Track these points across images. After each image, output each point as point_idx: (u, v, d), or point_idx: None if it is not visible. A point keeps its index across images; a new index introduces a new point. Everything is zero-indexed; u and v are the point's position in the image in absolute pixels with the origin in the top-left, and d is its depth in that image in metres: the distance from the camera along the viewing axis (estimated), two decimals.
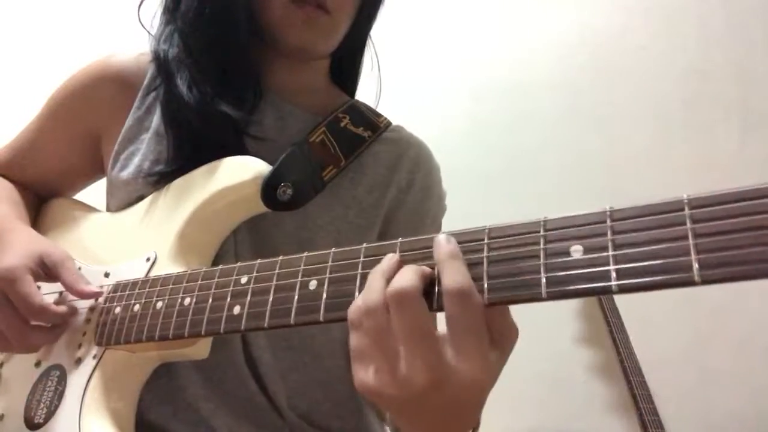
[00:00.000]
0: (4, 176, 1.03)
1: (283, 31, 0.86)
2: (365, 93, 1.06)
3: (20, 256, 0.79)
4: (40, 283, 0.84)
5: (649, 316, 1.78)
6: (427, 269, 0.52)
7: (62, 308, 0.80)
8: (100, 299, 0.81)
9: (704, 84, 1.94)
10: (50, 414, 0.76)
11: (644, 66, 2.00)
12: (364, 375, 0.52)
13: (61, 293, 0.86)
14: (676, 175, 1.87)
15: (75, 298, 0.84)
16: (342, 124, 0.92)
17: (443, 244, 0.52)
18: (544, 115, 2.05)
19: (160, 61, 0.90)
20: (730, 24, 1.95)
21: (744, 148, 1.87)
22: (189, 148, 0.86)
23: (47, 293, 0.88)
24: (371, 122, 0.96)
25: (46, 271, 0.81)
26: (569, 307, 1.90)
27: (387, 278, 0.52)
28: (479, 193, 1.91)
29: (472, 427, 0.55)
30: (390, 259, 0.54)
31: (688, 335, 1.78)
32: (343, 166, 0.90)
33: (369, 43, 1.03)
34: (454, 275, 0.49)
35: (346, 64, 1.03)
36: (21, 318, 0.77)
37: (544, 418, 1.85)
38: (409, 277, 0.51)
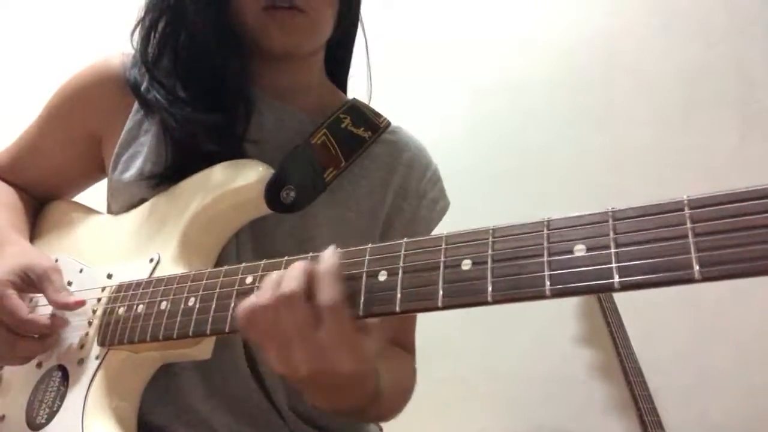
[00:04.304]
0: (4, 179, 1.03)
1: (262, 38, 0.86)
2: (365, 91, 1.06)
3: (3, 272, 0.79)
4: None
5: (649, 316, 1.78)
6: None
7: (49, 318, 0.80)
8: (103, 300, 0.81)
9: (704, 84, 1.94)
10: (52, 414, 0.76)
11: (644, 66, 2.00)
12: (270, 360, 0.60)
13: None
14: (676, 175, 1.87)
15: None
16: (343, 125, 0.92)
17: (325, 258, 0.59)
18: (545, 115, 2.05)
19: (131, 84, 0.91)
20: (730, 24, 1.96)
21: (744, 148, 1.87)
22: (188, 153, 0.86)
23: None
24: (371, 123, 0.96)
25: (30, 283, 0.81)
26: (569, 307, 1.90)
27: (278, 282, 0.59)
28: (479, 193, 1.91)
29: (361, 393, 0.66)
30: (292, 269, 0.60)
31: (688, 335, 1.79)
32: (344, 167, 0.90)
33: (363, 38, 1.03)
34: (329, 292, 0.57)
35: (337, 55, 1.02)
36: (8, 331, 0.77)
37: (544, 418, 1.85)
38: (294, 279, 0.58)
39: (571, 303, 1.90)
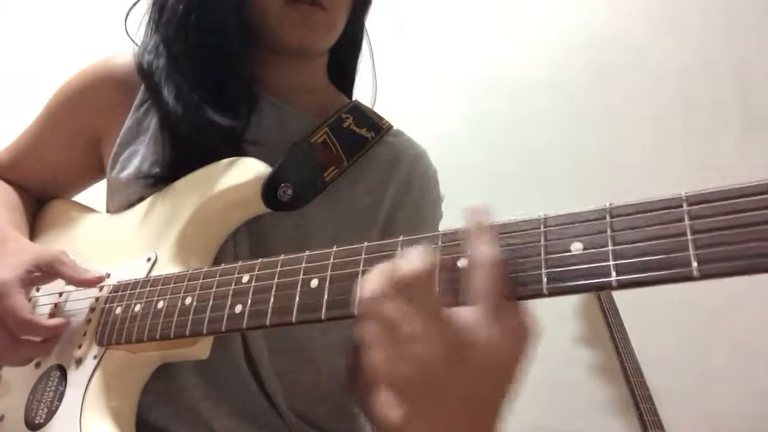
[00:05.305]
0: (4, 178, 1.03)
1: (280, 32, 0.86)
2: (365, 93, 1.06)
3: (11, 269, 0.79)
4: (47, 287, 0.85)
5: (649, 316, 1.78)
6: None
7: (52, 321, 0.80)
8: (101, 299, 0.81)
9: (704, 84, 1.93)
10: (51, 414, 0.76)
11: (644, 66, 2.00)
12: (377, 364, 0.49)
13: (56, 305, 0.86)
14: (676, 175, 1.86)
15: (75, 299, 0.84)
16: (345, 125, 0.92)
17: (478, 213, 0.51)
18: (544, 115, 2.05)
19: (143, 72, 0.90)
20: (730, 24, 1.95)
21: (744, 148, 1.86)
22: (186, 152, 0.86)
23: (47, 294, 0.88)
24: (374, 123, 0.96)
25: (42, 274, 0.81)
26: (569, 307, 1.90)
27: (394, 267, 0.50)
28: (479, 193, 1.89)
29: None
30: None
31: (688, 335, 1.78)
32: (345, 167, 0.90)
33: (365, 40, 1.03)
34: (484, 247, 0.49)
35: (343, 58, 1.02)
36: (9, 332, 0.77)
37: (544, 418, 1.85)
38: (417, 259, 0.49)
39: (571, 303, 1.89)
